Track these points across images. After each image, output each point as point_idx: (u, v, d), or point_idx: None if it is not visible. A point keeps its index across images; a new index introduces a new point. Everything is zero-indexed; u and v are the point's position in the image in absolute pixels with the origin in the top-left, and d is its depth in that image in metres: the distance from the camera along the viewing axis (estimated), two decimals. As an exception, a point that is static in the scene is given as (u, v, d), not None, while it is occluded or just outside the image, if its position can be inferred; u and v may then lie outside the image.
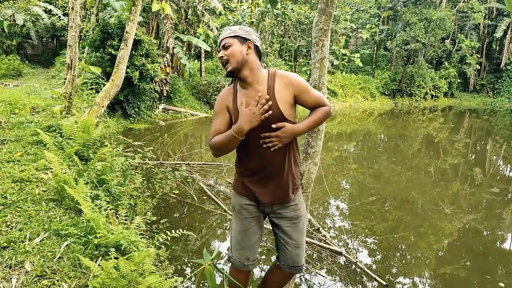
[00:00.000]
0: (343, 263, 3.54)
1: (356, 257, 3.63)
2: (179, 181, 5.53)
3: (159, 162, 6.33)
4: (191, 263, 3.40)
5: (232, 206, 2.08)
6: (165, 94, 13.32)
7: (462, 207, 5.45)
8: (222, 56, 1.80)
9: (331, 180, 6.35)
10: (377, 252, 3.91)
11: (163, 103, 13.35)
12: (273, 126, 1.74)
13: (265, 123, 1.73)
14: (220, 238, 4.09)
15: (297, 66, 22.37)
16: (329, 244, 3.83)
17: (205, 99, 15.11)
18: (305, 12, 17.41)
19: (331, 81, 21.36)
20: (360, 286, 3.21)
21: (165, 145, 8.23)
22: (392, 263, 3.70)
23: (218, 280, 2.83)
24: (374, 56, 24.56)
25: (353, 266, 3.49)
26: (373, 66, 24.43)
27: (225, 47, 1.80)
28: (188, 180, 5.67)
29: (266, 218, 2.10)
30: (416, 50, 21.20)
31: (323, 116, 1.85)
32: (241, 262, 1.99)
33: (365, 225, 4.56)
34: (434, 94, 24.10)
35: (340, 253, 3.68)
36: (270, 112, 1.71)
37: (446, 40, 23.25)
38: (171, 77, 13.56)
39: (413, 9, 22.04)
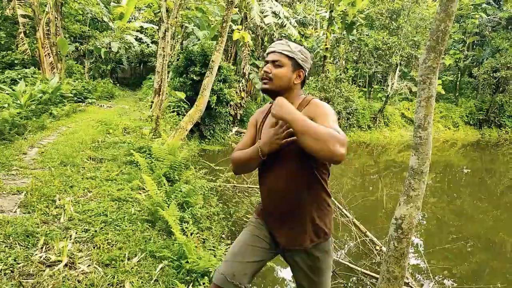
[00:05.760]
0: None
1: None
2: (252, 205, 5.58)
3: (233, 185, 6.47)
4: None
5: (249, 222, 1.77)
6: (238, 118, 13.78)
7: None
8: (267, 72, 1.55)
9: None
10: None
11: (237, 126, 13.79)
12: (282, 142, 1.49)
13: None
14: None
15: (371, 91, 21.72)
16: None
17: (276, 124, 15.29)
18: (383, 38, 16.98)
19: (408, 109, 20.34)
20: None
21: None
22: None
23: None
24: (457, 83, 22.94)
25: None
26: (457, 94, 22.78)
27: (275, 64, 1.55)
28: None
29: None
30: (507, 78, 19.40)
31: (326, 131, 1.29)
32: (224, 276, 1.58)
33: (443, 265, 4.15)
34: (528, 125, 21.65)
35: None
36: (294, 138, 1.43)
37: (543, 67, 20.93)
38: (245, 101, 14.02)
39: (503, 34, 20.31)
